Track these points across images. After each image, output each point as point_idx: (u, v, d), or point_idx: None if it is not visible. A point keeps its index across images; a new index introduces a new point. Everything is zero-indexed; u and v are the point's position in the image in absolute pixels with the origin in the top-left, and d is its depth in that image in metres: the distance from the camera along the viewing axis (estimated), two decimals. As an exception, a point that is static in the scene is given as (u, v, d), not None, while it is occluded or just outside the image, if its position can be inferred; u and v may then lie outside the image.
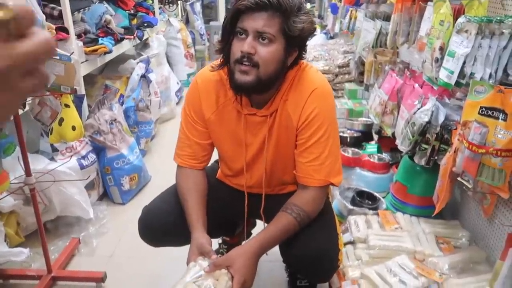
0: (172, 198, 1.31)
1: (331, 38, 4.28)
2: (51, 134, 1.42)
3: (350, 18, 3.13)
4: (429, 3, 1.57)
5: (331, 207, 1.34)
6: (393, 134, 1.85)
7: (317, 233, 1.18)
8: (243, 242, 1.34)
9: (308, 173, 1.18)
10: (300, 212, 1.15)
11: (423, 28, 1.62)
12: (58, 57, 1.30)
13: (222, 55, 1.15)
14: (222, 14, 6.40)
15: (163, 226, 1.27)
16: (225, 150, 1.31)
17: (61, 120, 1.39)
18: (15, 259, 1.54)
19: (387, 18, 2.40)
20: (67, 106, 1.39)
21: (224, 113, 1.23)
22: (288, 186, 1.36)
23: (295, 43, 1.10)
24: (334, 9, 3.71)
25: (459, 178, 1.20)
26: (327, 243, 1.19)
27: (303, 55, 1.16)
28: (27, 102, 1.46)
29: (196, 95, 1.24)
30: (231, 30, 1.09)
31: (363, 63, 2.72)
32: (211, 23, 5.91)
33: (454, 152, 1.23)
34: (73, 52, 1.60)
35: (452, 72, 1.25)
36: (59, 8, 2.02)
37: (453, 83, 1.24)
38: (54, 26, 1.41)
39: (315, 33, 3.56)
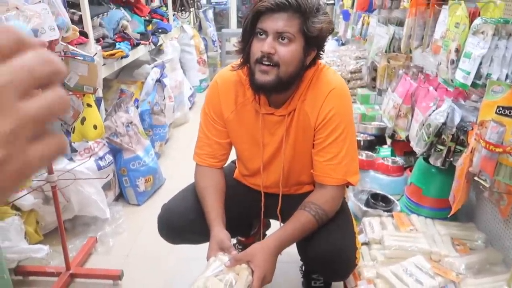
0: (191, 196, 1.34)
1: (343, 44, 4.30)
2: (73, 133, 1.46)
3: (363, 24, 3.16)
4: (443, 6, 1.59)
5: (347, 206, 1.35)
6: (407, 137, 1.86)
7: (335, 231, 1.20)
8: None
9: (325, 172, 1.20)
10: (318, 210, 1.16)
11: (438, 31, 1.63)
12: (82, 58, 1.35)
13: (242, 55, 1.17)
14: (233, 21, 6.48)
15: (182, 223, 1.29)
16: (243, 149, 1.34)
17: (83, 119, 1.43)
18: (35, 255, 1.57)
19: (399, 23, 2.42)
20: (89, 105, 1.43)
21: (242, 113, 1.26)
22: (305, 186, 1.37)
23: (314, 43, 1.12)
24: (346, 15, 3.74)
25: (476, 178, 1.20)
26: (345, 241, 1.20)
27: (321, 55, 1.18)
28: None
29: (216, 95, 1.27)
30: (251, 31, 1.12)
31: (375, 69, 2.74)
32: (223, 30, 5.99)
33: (471, 152, 1.24)
34: (96, 53, 1.65)
35: (468, 73, 1.26)
36: (79, 13, 2.08)
37: (469, 84, 1.25)
38: (78, 29, 1.46)
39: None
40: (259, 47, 1.09)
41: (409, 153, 2.14)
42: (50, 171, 1.44)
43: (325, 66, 1.24)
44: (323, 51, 1.18)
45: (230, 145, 1.34)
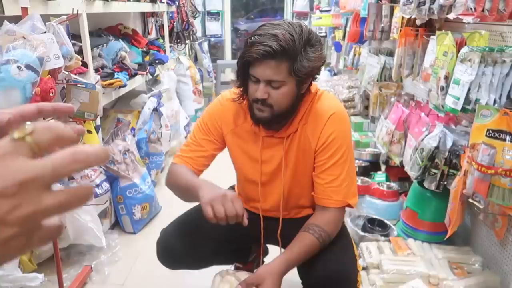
0: (190, 221, 1.34)
1: (335, 74, 4.42)
2: (73, 159, 1.48)
3: (354, 55, 3.26)
4: (431, 36, 1.67)
5: (346, 229, 1.36)
6: (401, 162, 1.89)
7: (336, 254, 1.20)
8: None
9: (327, 194, 1.21)
10: (321, 232, 1.17)
11: (427, 59, 1.70)
12: (84, 85, 1.38)
13: (239, 94, 1.23)
14: (228, 53, 6.63)
15: (182, 247, 1.29)
16: (242, 165, 1.35)
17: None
18: (30, 284, 1.54)
19: (390, 53, 2.52)
20: (89, 132, 1.45)
21: (242, 133, 1.29)
22: (304, 209, 1.38)
23: (306, 79, 1.16)
24: (338, 47, 3.86)
25: (470, 199, 1.23)
26: (346, 264, 1.21)
27: (316, 78, 1.22)
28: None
29: (219, 110, 1.30)
30: (244, 76, 1.16)
31: (367, 97, 2.81)
32: (218, 61, 6.12)
33: (464, 174, 1.27)
34: (98, 81, 1.68)
35: (458, 98, 1.31)
36: (79, 44, 2.14)
37: (459, 109, 1.30)
38: (80, 58, 1.50)
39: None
40: (254, 90, 1.14)
41: (403, 178, 2.17)
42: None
43: (324, 91, 1.29)
44: (319, 74, 1.22)
45: (213, 156, 1.34)
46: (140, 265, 1.95)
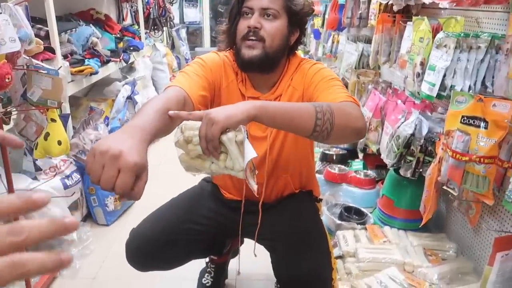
0: (162, 221, 1.29)
1: (314, 62, 4.38)
2: (36, 149, 1.40)
3: (333, 42, 3.23)
4: (408, 23, 1.64)
5: (322, 224, 1.33)
6: (377, 150, 1.88)
7: (309, 252, 1.17)
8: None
9: (328, 101, 1.05)
10: (322, 104, 0.95)
11: (404, 46, 1.68)
12: (45, 71, 1.30)
13: (226, 39, 1.21)
14: (207, 40, 6.52)
15: (151, 250, 1.24)
16: None
17: (47, 134, 1.37)
18: (-6, 281, 1.47)
19: (368, 41, 2.50)
20: (53, 120, 1.38)
21: (229, 92, 1.22)
22: (287, 189, 1.33)
23: (296, 22, 1.18)
24: (317, 34, 3.83)
25: (444, 187, 1.22)
26: (320, 262, 1.17)
27: (303, 39, 1.21)
28: (11, 118, 1.44)
29: (219, 60, 1.22)
30: (237, 12, 1.16)
31: (346, 85, 2.79)
32: (196, 49, 6.01)
33: (439, 162, 1.26)
34: (61, 67, 1.60)
35: (433, 85, 1.29)
36: (46, 28, 2.03)
37: (434, 95, 1.28)
38: (42, 42, 1.41)
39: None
40: (246, 24, 1.13)
41: (380, 166, 2.17)
42: (11, 191, 1.37)
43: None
44: (305, 35, 1.20)
45: (203, 98, 1.11)
46: (112, 258, 1.89)
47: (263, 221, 1.28)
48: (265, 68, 1.17)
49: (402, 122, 1.55)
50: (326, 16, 3.23)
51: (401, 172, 1.52)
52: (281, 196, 1.35)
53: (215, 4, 6.53)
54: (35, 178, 1.86)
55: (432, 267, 1.33)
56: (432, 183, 1.28)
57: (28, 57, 1.34)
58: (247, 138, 0.82)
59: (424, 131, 1.43)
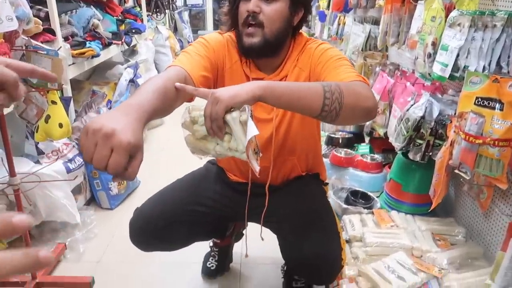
0: (167, 200, 1.27)
1: (319, 45, 4.31)
2: (37, 132, 1.37)
3: (339, 24, 3.16)
4: (419, 1, 1.58)
5: (330, 206, 1.31)
6: (385, 134, 1.84)
7: (317, 233, 1.15)
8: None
9: (336, 79, 1.02)
10: (331, 83, 0.91)
11: (414, 26, 1.62)
12: (45, 52, 1.26)
13: (228, 21, 1.17)
14: (210, 23, 6.42)
15: (154, 230, 1.22)
16: None
17: (48, 117, 1.34)
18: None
19: (375, 22, 2.43)
20: (54, 103, 1.34)
21: (233, 74, 1.18)
22: (294, 171, 1.30)
23: (299, 1, 1.12)
24: (322, 16, 3.74)
25: (456, 170, 1.18)
26: (329, 242, 1.15)
27: (308, 19, 1.16)
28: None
29: (222, 40, 1.18)
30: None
31: (352, 67, 2.74)
32: (199, 32, 5.93)
33: (450, 145, 1.22)
34: (60, 47, 1.56)
35: (446, 65, 1.24)
36: (45, 9, 1.98)
37: (447, 76, 1.24)
38: (41, 22, 1.37)
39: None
40: (245, 8, 1.09)
41: (387, 150, 2.13)
42: (12, 174, 1.35)
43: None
44: (310, 13, 1.16)
45: (205, 78, 1.08)
46: (116, 242, 1.89)
47: (269, 203, 1.25)
48: (266, 53, 1.14)
49: (412, 105, 1.51)
50: (332, -3, 3.15)
51: (410, 155, 1.48)
52: (287, 179, 1.33)
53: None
54: (37, 162, 1.84)
55: (441, 252, 1.31)
56: (443, 166, 1.25)
57: (27, 38, 1.30)
58: (251, 117, 0.80)
59: (435, 114, 1.39)
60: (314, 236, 1.14)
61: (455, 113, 1.34)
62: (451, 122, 1.31)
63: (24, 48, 1.26)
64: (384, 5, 1.95)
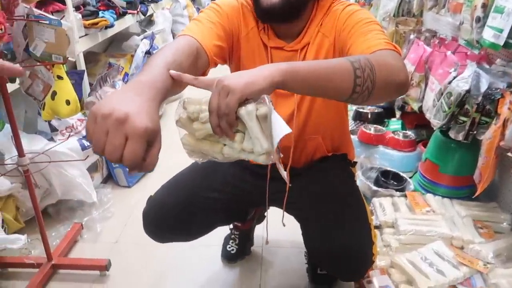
0: (181, 189, 1.17)
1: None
2: (43, 109, 1.28)
3: (368, -12, 2.93)
4: (466, -44, 1.38)
5: (359, 191, 1.17)
6: (419, 108, 1.68)
7: (346, 223, 1.02)
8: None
9: (363, 50, 0.88)
10: (359, 58, 0.77)
11: (459, -14, 1.43)
12: (47, 22, 1.15)
13: None
14: (229, -9, 6.18)
15: (171, 221, 1.13)
16: None
17: (54, 93, 1.25)
18: (12, 246, 1.42)
19: (410, -17, 2.21)
20: (60, 78, 1.24)
21: (249, 42, 1.05)
22: (317, 152, 1.17)
23: None
24: (349, -20, 3.50)
25: (509, 153, 1.03)
26: (358, 235, 1.03)
27: None
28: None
29: (237, 8, 1.04)
30: None
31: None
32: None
33: (503, 124, 1.06)
34: (63, 16, 1.45)
35: (501, 31, 1.07)
36: (54, -24, 1.86)
37: (501, 43, 1.07)
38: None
39: None
40: None
41: (420, 126, 1.97)
42: (21, 154, 1.28)
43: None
44: None
45: (219, 48, 0.96)
46: (134, 221, 1.83)
47: (291, 188, 1.14)
48: (288, 17, 0.98)
49: (454, 77, 1.34)
50: (361, -42, 2.91)
51: (452, 134, 1.33)
52: (311, 160, 1.20)
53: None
54: (51, 139, 1.77)
55: (486, 243, 1.18)
56: (493, 148, 1.10)
57: (28, 7, 1.19)
58: (274, 110, 0.64)
59: (483, 87, 1.22)
60: (341, 227, 1.02)
61: (507, 87, 1.17)
62: (502, 97, 1.14)
63: (25, 17, 1.15)
64: (422, -37, 1.75)
